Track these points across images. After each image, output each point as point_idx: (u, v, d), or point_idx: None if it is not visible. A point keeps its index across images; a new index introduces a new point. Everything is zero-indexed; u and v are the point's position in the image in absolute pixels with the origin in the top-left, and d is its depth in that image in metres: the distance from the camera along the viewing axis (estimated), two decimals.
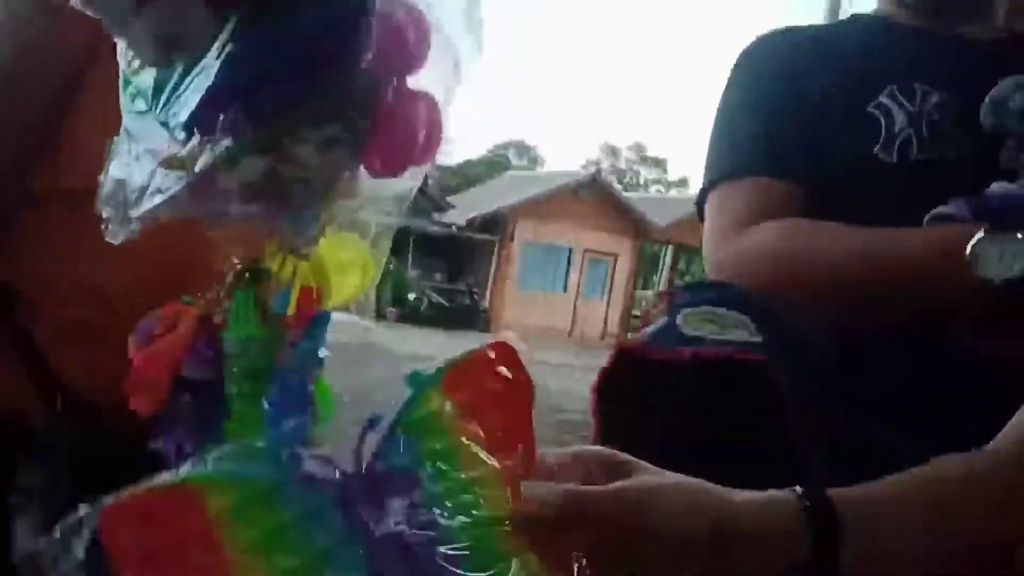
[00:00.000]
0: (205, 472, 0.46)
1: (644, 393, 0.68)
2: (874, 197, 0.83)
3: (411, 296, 18.20)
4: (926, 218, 0.76)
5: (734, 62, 0.97)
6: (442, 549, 0.45)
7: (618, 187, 24.41)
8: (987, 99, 0.79)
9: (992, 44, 0.87)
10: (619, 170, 44.73)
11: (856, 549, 0.49)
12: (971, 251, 0.70)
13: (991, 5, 0.89)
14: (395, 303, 18.11)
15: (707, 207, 0.93)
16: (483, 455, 0.47)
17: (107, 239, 0.77)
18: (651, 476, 0.51)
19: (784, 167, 0.87)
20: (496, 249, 19.23)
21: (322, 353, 0.83)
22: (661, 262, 20.50)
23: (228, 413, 0.84)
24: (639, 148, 47.25)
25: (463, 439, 0.48)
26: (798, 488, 0.51)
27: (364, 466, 0.47)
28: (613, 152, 46.83)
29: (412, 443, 0.47)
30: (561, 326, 18.83)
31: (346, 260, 0.87)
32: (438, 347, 13.18)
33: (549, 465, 0.50)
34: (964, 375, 0.76)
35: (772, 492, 0.51)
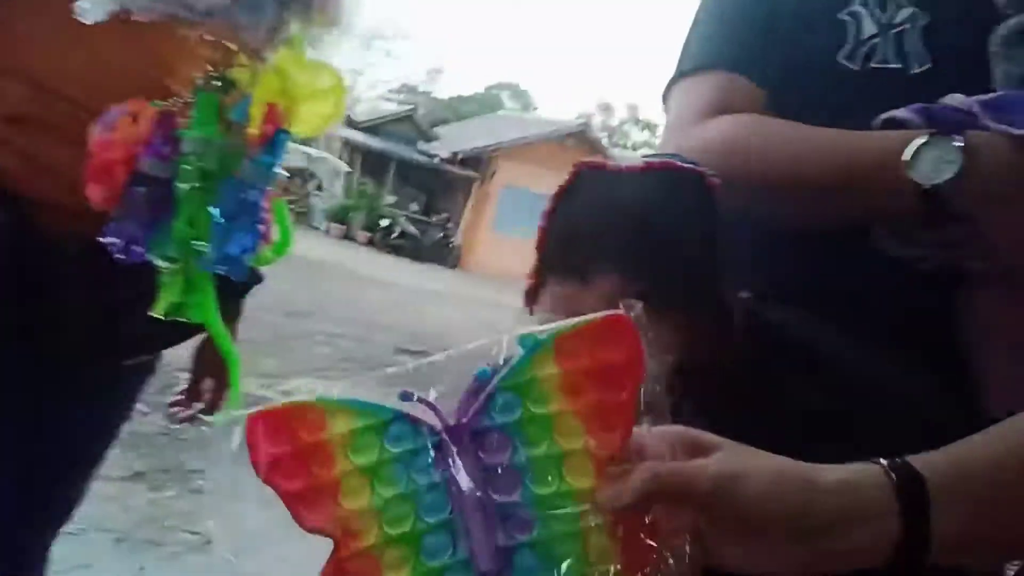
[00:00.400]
0: (333, 398, 0.51)
1: (600, 197, 0.77)
2: (834, 102, 0.84)
3: (383, 222, 18.02)
4: (876, 120, 0.77)
5: None
6: (520, 514, 0.48)
7: (605, 143, 24.26)
8: None
9: None
10: (610, 127, 44.35)
11: (949, 522, 0.48)
12: (911, 155, 0.71)
13: None
14: (367, 227, 17.94)
15: (671, 98, 0.94)
16: (580, 430, 0.48)
17: (77, 16, 0.76)
18: (733, 454, 0.49)
19: (749, 64, 0.88)
20: (475, 187, 19.08)
21: (277, 170, 0.84)
22: None
23: (177, 212, 0.86)
24: (633, 109, 46.83)
25: (563, 409, 0.48)
26: (883, 461, 0.49)
27: (466, 419, 0.49)
28: (607, 109, 46.37)
29: (514, 404, 0.49)
30: None
31: (318, 88, 0.87)
32: (402, 275, 13.15)
33: (634, 444, 0.49)
34: (880, 278, 0.78)
35: (856, 467, 0.50)
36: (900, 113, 0.75)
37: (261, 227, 0.90)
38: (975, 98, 0.73)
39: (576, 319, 0.50)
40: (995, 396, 0.78)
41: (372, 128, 20.22)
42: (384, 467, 0.49)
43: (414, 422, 0.49)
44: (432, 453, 0.49)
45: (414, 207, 20.03)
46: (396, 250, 17.59)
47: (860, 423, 0.75)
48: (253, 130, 0.83)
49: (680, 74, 0.92)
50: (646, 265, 0.72)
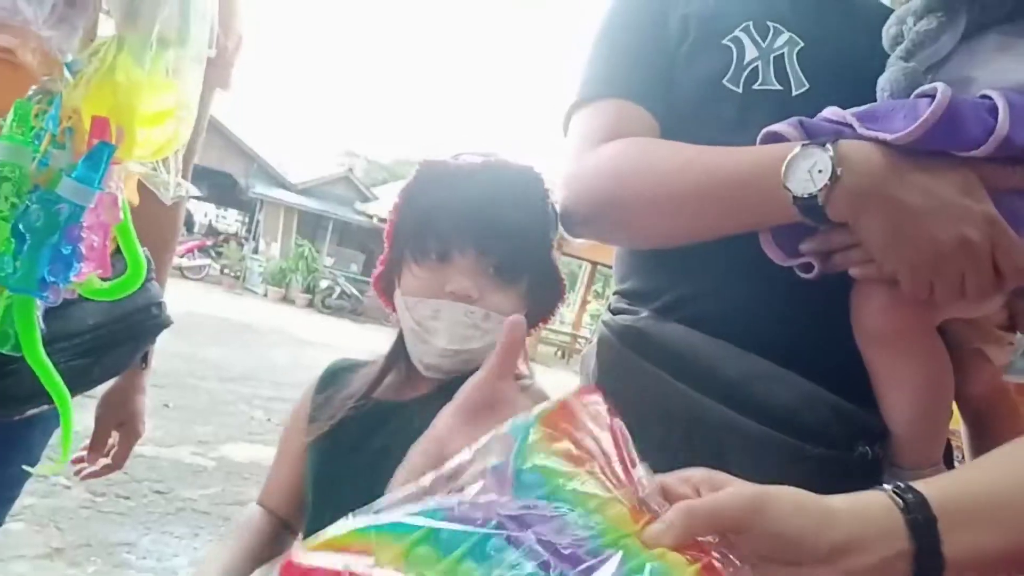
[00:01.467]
0: (366, 526, 0.48)
1: (450, 188, 0.90)
2: (721, 124, 0.87)
3: (323, 284, 17.81)
4: (759, 136, 0.79)
5: None
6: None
7: None
8: (900, 10, 0.82)
9: (849, 2, 0.93)
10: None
11: (956, 538, 0.50)
12: (785, 166, 0.72)
13: None
14: (306, 289, 17.70)
15: (569, 126, 0.96)
16: (599, 485, 0.50)
17: None
18: (746, 486, 0.52)
19: (640, 91, 0.90)
20: None
21: (96, 187, 0.78)
22: (579, 280, 20.77)
23: None
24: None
25: (581, 472, 0.50)
26: (886, 486, 0.53)
27: (505, 503, 0.49)
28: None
29: (536, 481, 0.50)
30: None
31: (156, 109, 0.83)
32: (343, 336, 12.95)
33: (663, 486, 0.52)
34: (770, 288, 0.80)
35: (861, 493, 0.53)
36: (779, 127, 0.77)
37: (89, 251, 0.83)
38: (851, 110, 0.76)
39: (550, 402, 0.54)
40: (885, 398, 0.80)
41: (307, 190, 20.13)
42: (456, 567, 0.46)
43: (460, 521, 0.48)
44: (493, 538, 0.47)
45: (353, 267, 19.89)
46: (336, 311, 17.37)
47: (737, 436, 0.78)
48: (80, 142, 0.79)
49: (577, 103, 0.95)
50: (498, 242, 0.87)
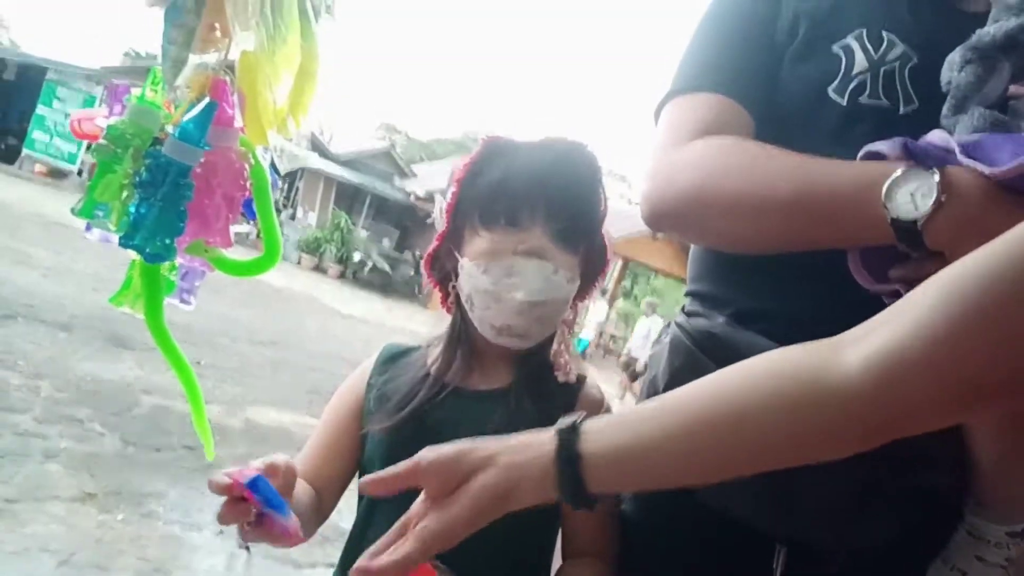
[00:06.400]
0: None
1: (516, 162, 0.94)
2: (818, 133, 0.84)
3: (356, 256, 17.94)
4: (860, 153, 0.76)
5: None
6: None
7: None
8: (947, 59, 0.80)
9: (972, 17, 0.86)
10: None
11: (595, 447, 0.61)
12: (887, 187, 0.70)
13: None
14: (338, 260, 17.84)
15: (661, 115, 0.93)
16: None
17: None
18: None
19: (740, 88, 0.88)
20: None
21: (200, 145, 0.80)
22: (609, 276, 20.71)
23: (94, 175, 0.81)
24: (607, 167, 47.50)
25: None
26: (560, 423, 0.64)
27: None
28: None
29: None
30: None
31: (293, 78, 0.84)
32: (371, 309, 13.05)
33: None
34: (852, 308, 0.77)
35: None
36: (882, 146, 0.75)
37: (202, 216, 0.85)
38: (956, 137, 0.73)
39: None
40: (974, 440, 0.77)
41: (349, 161, 20.25)
42: None
43: None
44: None
45: (386, 243, 19.99)
46: (366, 285, 17.50)
47: None
48: (191, 95, 0.81)
49: (672, 92, 0.92)
50: (563, 209, 0.93)
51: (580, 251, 0.96)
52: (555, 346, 0.98)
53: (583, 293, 1.01)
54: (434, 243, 1.00)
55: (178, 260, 0.90)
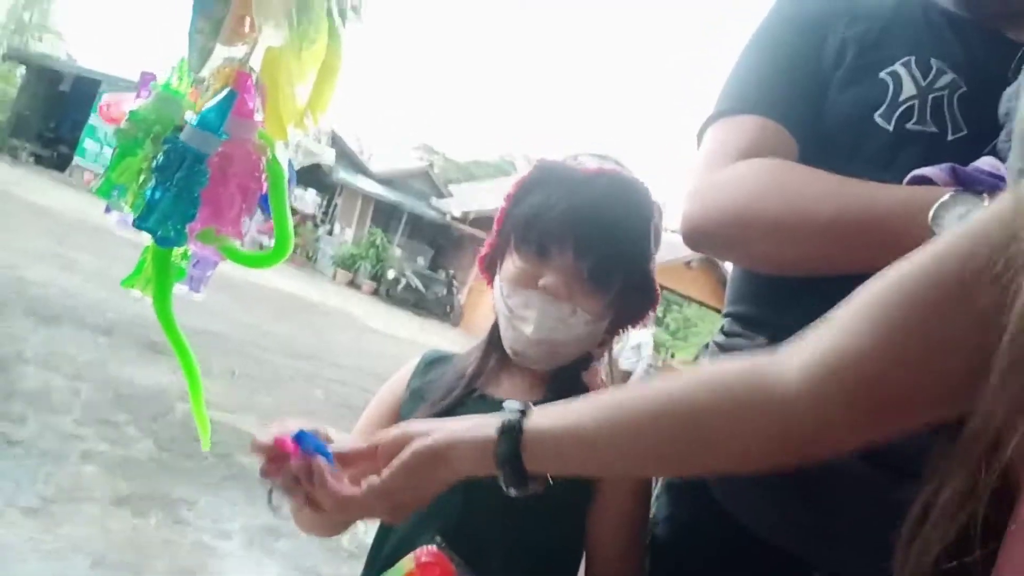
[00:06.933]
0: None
1: (559, 190, 0.92)
2: (863, 159, 0.83)
3: (390, 273, 18.08)
4: (906, 178, 0.75)
5: (772, 5, 0.97)
6: None
7: None
8: (1006, 91, 0.79)
9: (1021, 46, 0.86)
10: None
11: (536, 427, 0.65)
12: (935, 211, 0.69)
13: None
14: (372, 276, 18.00)
15: (705, 136, 0.93)
16: None
17: None
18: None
19: (785, 112, 0.87)
20: None
21: (218, 134, 0.81)
22: None
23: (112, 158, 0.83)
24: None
25: None
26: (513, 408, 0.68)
27: None
28: None
29: None
30: None
31: (315, 73, 0.85)
32: (403, 327, 13.12)
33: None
34: None
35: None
36: (929, 171, 0.74)
37: (215, 205, 0.85)
38: (1008, 164, 0.72)
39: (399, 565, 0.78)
40: None
41: (387, 180, 20.48)
42: None
43: None
44: None
45: (421, 261, 20.14)
46: (399, 302, 17.61)
47: (849, 480, 0.75)
48: (215, 85, 0.83)
49: (717, 114, 0.93)
50: (595, 248, 0.90)
51: (614, 289, 0.93)
52: (591, 367, 0.98)
53: (620, 327, 1.01)
54: (485, 248, 1.02)
55: (191, 248, 0.91)
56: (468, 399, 0.95)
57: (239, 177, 0.87)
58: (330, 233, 18.97)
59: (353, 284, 17.80)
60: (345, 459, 0.72)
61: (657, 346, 19.54)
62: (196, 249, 0.90)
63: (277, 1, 0.80)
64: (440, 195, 21.29)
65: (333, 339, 9.00)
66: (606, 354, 1.02)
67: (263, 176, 0.89)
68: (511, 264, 0.95)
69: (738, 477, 0.66)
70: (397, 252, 19.22)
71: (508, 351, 0.96)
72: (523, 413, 0.67)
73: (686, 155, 0.98)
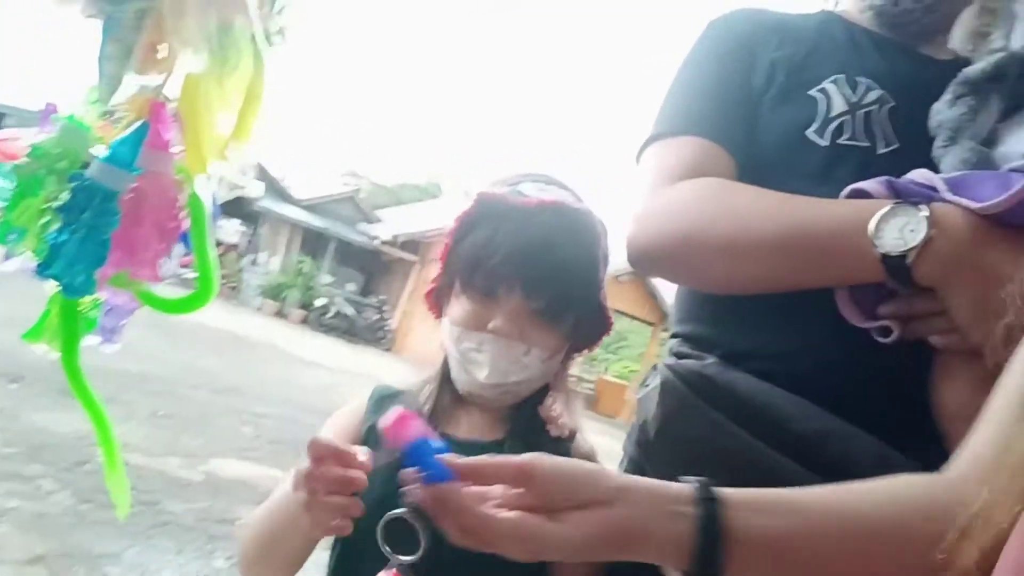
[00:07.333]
0: None
1: (503, 226, 0.88)
2: (800, 175, 0.85)
3: (319, 301, 17.72)
4: (843, 192, 0.77)
5: (701, 31, 1.00)
6: None
7: None
8: (935, 104, 0.83)
9: (941, 63, 0.92)
10: None
11: (739, 534, 0.53)
12: (876, 224, 0.70)
13: (946, 32, 0.97)
14: (301, 305, 17.61)
15: (643, 158, 0.94)
16: None
17: None
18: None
19: (721, 132, 0.89)
20: (415, 271, 19.02)
21: (130, 169, 0.75)
22: (649, 338, 20.71)
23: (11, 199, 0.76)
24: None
25: None
26: (696, 484, 0.56)
27: None
28: None
29: None
30: None
31: (237, 104, 0.80)
32: (334, 356, 12.87)
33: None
34: (843, 345, 0.78)
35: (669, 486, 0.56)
36: (866, 185, 0.76)
37: (129, 248, 0.79)
38: (940, 175, 0.75)
39: None
40: None
41: (312, 206, 20.14)
42: None
43: None
44: None
45: (351, 287, 19.82)
46: (329, 330, 17.27)
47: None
48: (130, 116, 0.77)
49: (654, 136, 0.93)
50: (545, 286, 0.87)
51: (567, 324, 0.91)
52: (548, 400, 0.94)
53: (575, 354, 0.99)
54: (431, 283, 0.99)
55: (102, 295, 0.84)
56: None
57: (155, 215, 0.80)
58: (254, 263, 18.49)
59: (280, 314, 17.38)
60: (479, 473, 0.57)
61: (590, 360, 19.72)
62: (108, 296, 0.82)
63: (195, 25, 0.74)
64: (368, 220, 21.05)
65: (261, 372, 8.73)
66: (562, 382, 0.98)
67: (182, 213, 0.82)
68: (458, 306, 0.91)
69: None
70: (327, 279, 18.87)
71: (462, 392, 0.92)
72: (713, 500, 0.55)
73: (615, 171, 0.98)
